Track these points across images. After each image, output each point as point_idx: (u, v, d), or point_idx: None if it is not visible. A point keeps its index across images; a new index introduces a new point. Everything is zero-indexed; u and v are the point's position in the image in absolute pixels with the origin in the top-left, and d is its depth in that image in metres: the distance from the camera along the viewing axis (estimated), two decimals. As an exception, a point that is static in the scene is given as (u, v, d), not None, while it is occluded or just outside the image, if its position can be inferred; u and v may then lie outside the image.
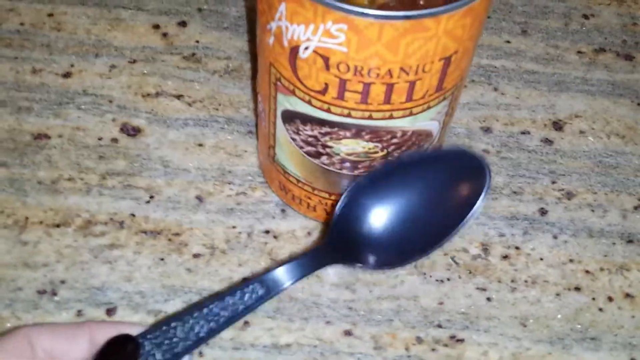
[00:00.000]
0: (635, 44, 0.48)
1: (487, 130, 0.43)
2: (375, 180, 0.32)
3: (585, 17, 0.49)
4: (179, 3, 0.47)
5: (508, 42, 0.47)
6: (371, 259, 0.31)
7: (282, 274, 0.30)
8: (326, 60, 0.28)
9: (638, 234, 0.39)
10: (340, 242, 0.31)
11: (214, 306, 0.29)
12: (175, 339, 0.28)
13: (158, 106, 0.42)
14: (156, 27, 0.46)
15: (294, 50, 0.29)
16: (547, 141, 0.42)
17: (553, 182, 0.41)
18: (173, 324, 0.28)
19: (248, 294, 0.29)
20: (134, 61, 0.44)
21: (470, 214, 0.31)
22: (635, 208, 0.40)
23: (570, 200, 0.40)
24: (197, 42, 0.45)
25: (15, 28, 0.45)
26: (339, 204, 0.32)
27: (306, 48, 0.28)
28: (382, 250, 0.32)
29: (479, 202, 0.31)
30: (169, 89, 0.43)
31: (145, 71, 0.43)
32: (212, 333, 0.28)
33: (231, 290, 0.29)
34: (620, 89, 0.45)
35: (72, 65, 0.43)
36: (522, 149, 0.42)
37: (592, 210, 0.40)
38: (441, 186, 0.32)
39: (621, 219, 0.40)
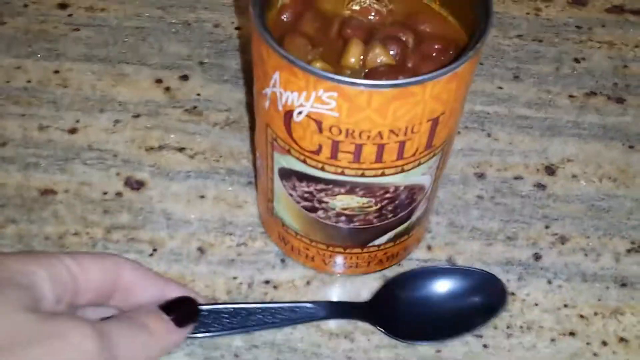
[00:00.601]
0: (626, 87, 0.49)
1: (480, 176, 0.44)
2: (417, 275, 0.38)
3: (577, 60, 0.50)
4: (181, 57, 0.49)
5: (500, 87, 0.48)
6: (398, 330, 0.37)
7: (328, 306, 0.37)
8: (319, 124, 0.30)
9: (631, 277, 0.40)
10: (378, 309, 0.37)
11: (264, 309, 0.36)
12: (223, 321, 0.35)
13: (161, 159, 0.43)
14: (159, 81, 0.47)
15: (289, 114, 0.30)
16: (540, 186, 0.43)
17: (547, 227, 0.42)
18: (228, 309, 0.35)
19: (295, 311, 0.36)
20: (138, 115, 0.45)
21: (484, 324, 0.37)
22: (628, 251, 0.41)
23: (564, 244, 0.41)
24: (199, 95, 0.47)
25: (23, 85, 0.46)
26: (387, 282, 0.38)
27: (300, 113, 0.30)
28: (409, 325, 0.37)
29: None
30: (172, 142, 0.44)
31: (149, 125, 0.45)
32: (252, 328, 0.35)
33: (282, 303, 0.36)
34: (612, 132, 0.46)
35: (77, 121, 0.45)
36: (516, 194, 0.43)
37: (586, 255, 0.41)
38: (464, 297, 0.38)
39: (614, 262, 0.40)
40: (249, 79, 0.48)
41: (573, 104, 0.48)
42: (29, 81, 0.47)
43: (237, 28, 0.51)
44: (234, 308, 0.36)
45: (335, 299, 0.39)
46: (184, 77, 0.48)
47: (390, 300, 0.37)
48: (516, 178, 0.44)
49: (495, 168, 0.44)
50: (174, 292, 0.34)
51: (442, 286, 0.37)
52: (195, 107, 0.46)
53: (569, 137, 0.46)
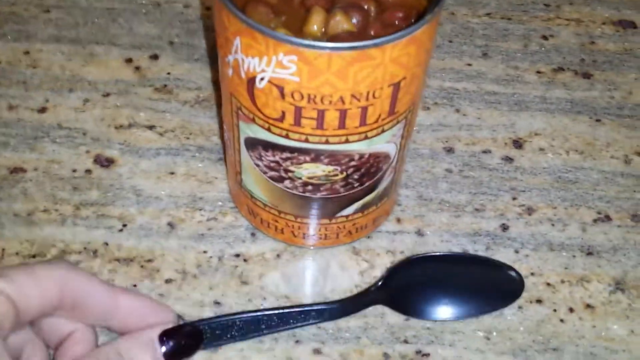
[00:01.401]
0: (593, 62, 0.49)
1: (449, 150, 0.44)
2: (429, 258, 0.39)
3: (544, 38, 0.51)
4: (151, 37, 0.49)
5: (469, 64, 0.49)
6: (412, 309, 0.37)
7: (338, 307, 0.36)
8: (281, 89, 0.30)
9: (597, 246, 0.40)
10: (390, 290, 0.38)
11: (273, 314, 0.36)
12: (232, 330, 0.35)
13: (131, 137, 0.43)
14: (129, 61, 0.47)
15: (251, 81, 0.30)
16: (508, 159, 0.44)
17: (514, 199, 0.42)
18: (240, 318, 0.35)
19: (304, 315, 0.36)
20: (108, 94, 0.45)
21: (499, 310, 0.38)
22: (594, 221, 0.41)
23: (531, 215, 0.41)
24: (169, 74, 0.47)
25: (-8, 66, 0.46)
26: (396, 264, 0.39)
27: (262, 79, 0.30)
28: (421, 306, 0.38)
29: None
30: (142, 120, 0.44)
31: (118, 104, 0.45)
32: (261, 333, 0.35)
33: (292, 307, 0.36)
34: (579, 106, 0.47)
35: (47, 101, 0.45)
36: (484, 168, 0.43)
37: (552, 225, 0.41)
38: (483, 282, 0.39)
39: (581, 232, 0.41)
40: (217, 49, 0.48)
41: (541, 80, 0.48)
42: (-2, 62, 0.47)
43: (207, 8, 0.51)
44: (245, 317, 0.35)
45: (307, 273, 0.39)
46: (154, 57, 0.48)
47: (402, 282, 0.38)
48: (484, 152, 0.44)
49: (464, 142, 0.45)
50: (127, 303, 0.31)
51: (459, 271, 0.39)
52: (165, 86, 0.46)
53: (536, 112, 0.46)
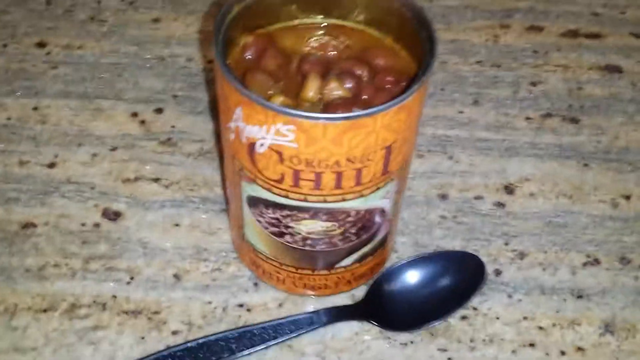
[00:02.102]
0: (580, 107, 0.51)
1: (443, 197, 0.46)
2: (401, 268, 0.41)
3: (533, 84, 0.53)
4: (156, 91, 0.51)
5: (461, 112, 0.51)
6: (393, 321, 0.40)
7: (323, 314, 0.39)
8: (280, 154, 0.32)
9: (587, 289, 0.42)
10: (372, 305, 0.40)
11: (267, 327, 0.38)
12: (231, 347, 0.37)
13: (137, 190, 0.45)
14: (134, 115, 0.49)
15: (252, 146, 0.32)
16: (500, 204, 0.46)
17: (506, 244, 0.44)
18: (233, 334, 0.38)
19: (296, 324, 0.39)
20: (115, 148, 0.47)
21: (468, 300, 0.41)
22: (584, 265, 0.43)
23: (523, 260, 0.43)
24: (173, 127, 0.49)
25: (3, 123, 0.48)
26: (375, 278, 0.41)
27: (262, 144, 0.32)
28: (402, 316, 0.40)
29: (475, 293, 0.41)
30: (147, 173, 0.46)
31: (125, 157, 0.47)
32: (258, 346, 0.38)
33: (282, 318, 0.39)
34: (567, 151, 0.49)
35: (56, 156, 0.47)
36: (477, 214, 0.45)
37: (544, 269, 0.43)
38: (450, 277, 0.41)
39: (571, 275, 0.42)
40: (216, 94, 0.50)
41: (530, 126, 0.50)
42: (9, 118, 0.49)
43: (209, 62, 0.53)
44: (239, 333, 0.38)
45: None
46: (159, 110, 0.50)
47: (382, 297, 0.40)
48: (477, 198, 0.46)
49: (457, 189, 0.46)
50: None
51: (428, 272, 0.41)
52: (169, 139, 0.48)
53: (526, 157, 0.48)
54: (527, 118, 0.50)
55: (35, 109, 0.49)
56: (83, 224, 0.43)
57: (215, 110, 0.50)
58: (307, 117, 0.29)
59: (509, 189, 0.46)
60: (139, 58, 0.53)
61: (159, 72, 0.52)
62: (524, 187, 0.47)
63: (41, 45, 0.54)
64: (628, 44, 0.56)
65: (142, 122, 0.49)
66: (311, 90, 0.33)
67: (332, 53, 0.36)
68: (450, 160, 0.48)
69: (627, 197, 0.46)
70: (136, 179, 0.46)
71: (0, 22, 0.55)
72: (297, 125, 0.30)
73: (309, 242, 0.36)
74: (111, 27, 0.55)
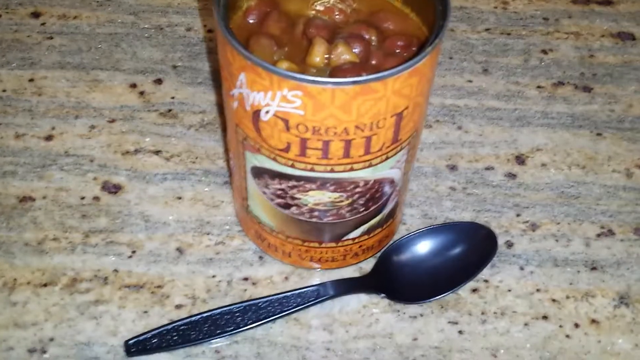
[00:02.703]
0: (593, 76, 0.50)
1: (452, 168, 0.45)
2: (411, 239, 0.40)
3: (544, 52, 0.51)
4: (155, 61, 0.49)
5: (470, 81, 0.49)
6: (402, 293, 0.39)
7: (330, 287, 0.38)
8: (286, 122, 0.30)
9: (601, 260, 0.41)
10: (381, 277, 0.39)
11: (273, 300, 0.37)
12: (237, 320, 0.37)
13: (137, 163, 0.44)
14: (133, 86, 0.48)
15: (256, 114, 0.31)
16: (511, 175, 0.44)
17: (517, 215, 0.43)
18: (239, 307, 0.37)
19: (302, 296, 0.38)
20: (113, 120, 0.46)
21: (479, 272, 0.40)
22: (598, 236, 0.42)
23: (535, 231, 0.42)
24: (173, 98, 0.47)
25: (-2, 95, 0.47)
26: (383, 250, 0.40)
27: (267, 112, 0.30)
28: (411, 288, 0.39)
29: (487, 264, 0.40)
30: (148, 145, 0.45)
31: (124, 129, 0.45)
32: (264, 320, 0.37)
33: (288, 291, 0.38)
34: (580, 120, 0.47)
35: (53, 128, 0.45)
36: (487, 185, 0.44)
37: (556, 240, 0.42)
38: (460, 249, 0.41)
39: (584, 247, 0.41)
40: (221, 80, 0.48)
41: (541, 95, 0.49)
42: (4, 90, 0.47)
43: (209, 31, 0.51)
44: (244, 306, 0.37)
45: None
46: (158, 81, 0.48)
47: (391, 268, 0.39)
48: (487, 169, 0.45)
49: (467, 160, 0.45)
50: None
51: (437, 243, 0.40)
52: (170, 110, 0.47)
53: (537, 127, 0.47)
54: (538, 87, 0.49)
55: (30, 80, 0.48)
56: (82, 198, 0.42)
57: (216, 81, 0.48)
58: (314, 82, 0.28)
59: (520, 160, 0.45)
60: (136, 27, 0.51)
61: (158, 41, 0.50)
62: (536, 158, 0.45)
63: (36, 15, 0.52)
64: (641, 10, 0.54)
65: (141, 93, 0.47)
66: (317, 56, 0.32)
67: (339, 17, 0.35)
68: (459, 130, 0.46)
69: (642, 167, 0.45)
70: (136, 151, 0.44)
71: (-6, -8, 0.53)
72: (303, 90, 0.28)
73: (315, 213, 0.35)
74: (108, -5, 0.53)
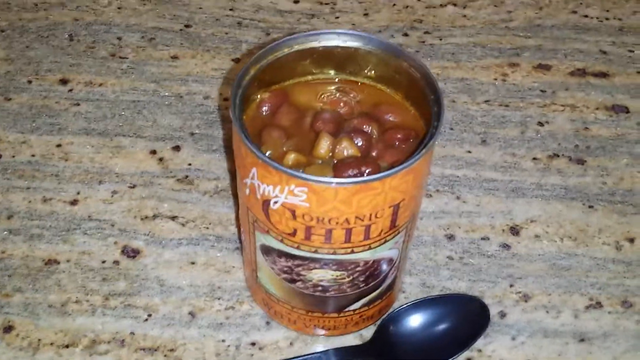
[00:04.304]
0: (587, 148, 0.53)
1: (450, 237, 0.47)
2: (408, 310, 0.43)
3: (540, 124, 0.54)
4: (174, 128, 0.52)
5: (469, 152, 0.52)
6: None
7: (332, 354, 0.41)
8: (293, 212, 0.33)
9: (589, 332, 0.43)
10: (380, 345, 0.42)
11: None
12: None
13: (155, 228, 0.47)
14: (153, 152, 0.51)
15: (266, 203, 0.34)
16: (505, 246, 0.47)
17: (511, 286, 0.45)
18: None
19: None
20: (134, 186, 0.49)
21: (473, 343, 0.42)
22: (587, 308, 0.44)
23: (527, 302, 0.44)
24: (190, 165, 0.50)
25: (27, 159, 0.50)
26: (382, 319, 0.43)
27: (275, 202, 0.33)
28: (409, 356, 0.41)
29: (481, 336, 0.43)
30: (165, 210, 0.48)
31: (144, 195, 0.49)
32: None
33: (292, 358, 0.40)
34: (572, 192, 0.50)
35: (78, 193, 0.49)
36: (483, 255, 0.46)
37: (547, 312, 0.44)
38: (454, 320, 0.43)
39: (573, 318, 0.44)
40: (232, 149, 0.51)
41: (537, 166, 0.51)
42: (33, 155, 0.51)
43: (224, 99, 0.55)
44: None
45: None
46: (176, 148, 0.51)
47: (390, 337, 0.42)
48: (483, 239, 0.47)
49: (464, 229, 0.48)
50: None
51: (433, 314, 0.42)
52: (186, 177, 0.50)
53: (532, 199, 0.49)
54: (534, 158, 0.52)
55: (58, 146, 0.51)
56: (103, 262, 0.45)
57: (230, 149, 0.51)
58: (319, 182, 0.31)
59: (514, 230, 0.48)
60: (157, 95, 0.55)
61: (177, 109, 0.54)
62: (530, 229, 0.48)
63: (64, 81, 0.55)
64: (635, 83, 0.57)
65: (161, 159, 0.51)
66: (322, 149, 0.35)
67: (344, 109, 0.38)
68: (457, 200, 0.49)
69: (631, 240, 0.47)
70: (154, 216, 0.48)
71: (25, 58, 0.57)
72: (309, 187, 0.31)
73: (319, 288, 0.38)
74: (131, 64, 0.57)
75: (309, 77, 0.39)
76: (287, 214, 0.33)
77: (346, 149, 0.35)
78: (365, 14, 0.62)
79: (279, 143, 0.36)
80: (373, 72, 0.38)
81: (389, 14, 0.62)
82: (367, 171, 0.34)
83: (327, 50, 0.37)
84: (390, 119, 0.37)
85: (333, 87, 0.39)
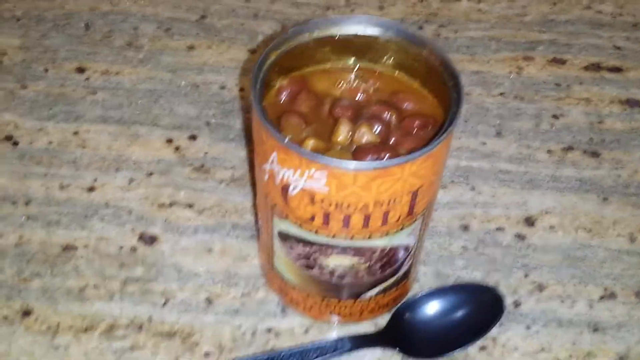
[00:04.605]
0: (601, 141, 0.53)
1: (465, 228, 0.47)
2: (423, 298, 0.43)
3: (555, 117, 0.54)
4: (190, 117, 0.53)
5: (484, 143, 0.52)
6: (414, 349, 0.42)
7: (347, 341, 0.41)
8: (312, 197, 0.33)
9: (603, 322, 0.43)
10: (394, 333, 0.42)
11: (294, 352, 0.40)
12: None
13: (172, 215, 0.47)
14: (169, 141, 0.51)
15: (285, 188, 0.34)
16: (520, 236, 0.47)
17: (526, 276, 0.45)
18: (263, 357, 0.40)
19: (321, 349, 0.41)
20: (151, 174, 0.49)
21: (487, 332, 0.42)
22: (601, 298, 0.44)
23: (542, 292, 0.45)
24: (206, 153, 0.51)
25: (45, 147, 0.51)
26: (397, 307, 0.43)
27: (295, 187, 0.34)
28: (423, 344, 0.42)
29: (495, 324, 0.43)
30: (181, 198, 0.48)
31: (160, 183, 0.49)
32: None
33: (308, 344, 0.41)
34: (587, 185, 0.50)
35: (95, 180, 0.49)
36: (497, 245, 0.47)
37: (562, 301, 0.44)
38: (469, 309, 0.43)
39: (588, 308, 0.44)
40: (251, 137, 0.52)
41: (551, 159, 0.51)
42: (50, 142, 0.51)
43: (241, 89, 0.55)
44: (267, 356, 0.40)
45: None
46: (193, 137, 0.52)
47: (404, 325, 0.42)
48: (498, 229, 0.47)
49: (479, 220, 0.48)
50: None
51: (447, 303, 0.42)
52: (202, 165, 0.50)
53: (547, 190, 0.50)
54: (549, 151, 0.52)
55: (75, 133, 0.52)
56: (121, 248, 0.46)
57: (246, 138, 0.52)
58: (338, 165, 0.31)
59: (529, 221, 0.48)
60: (174, 85, 0.55)
61: (194, 99, 0.54)
62: (544, 220, 0.48)
63: (80, 70, 0.56)
64: (650, 77, 0.57)
65: (177, 148, 0.51)
66: (342, 135, 0.35)
67: (362, 96, 0.38)
68: (472, 191, 0.49)
69: (645, 232, 0.48)
70: (171, 204, 0.48)
71: (42, 47, 0.58)
72: (329, 171, 0.32)
73: (335, 275, 0.38)
74: (147, 53, 0.57)
75: (328, 65, 0.39)
76: (305, 199, 0.34)
77: (365, 135, 0.35)
78: (381, 7, 0.62)
79: (298, 129, 0.36)
80: (391, 60, 0.38)
81: (403, 7, 0.62)
82: (386, 157, 0.34)
83: (346, 37, 0.38)
84: (409, 106, 0.37)
85: (352, 75, 0.39)
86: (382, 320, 0.43)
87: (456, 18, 0.62)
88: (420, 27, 0.60)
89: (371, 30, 0.37)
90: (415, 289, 0.44)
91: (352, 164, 0.31)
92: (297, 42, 0.37)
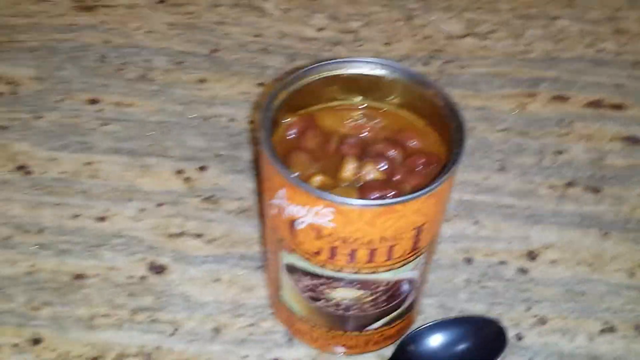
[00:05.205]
0: (602, 177, 0.54)
1: (468, 261, 0.48)
2: (427, 331, 0.44)
3: (558, 153, 0.55)
4: (200, 149, 0.54)
5: (487, 178, 0.53)
6: None
7: None
8: (318, 232, 0.35)
9: (602, 356, 0.44)
10: None
11: None
12: None
13: (181, 245, 0.48)
14: (180, 172, 0.53)
15: (292, 223, 0.35)
16: (522, 270, 0.48)
17: (528, 309, 0.46)
18: None
19: None
20: (161, 204, 0.51)
21: None
22: (601, 332, 0.45)
23: (543, 325, 0.45)
24: (215, 184, 0.52)
25: (57, 177, 0.52)
26: (401, 340, 0.43)
27: (302, 222, 0.35)
28: None
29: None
30: (191, 229, 0.49)
31: (170, 213, 0.50)
32: None
33: None
34: (588, 220, 0.51)
35: (106, 210, 0.50)
36: (500, 278, 0.47)
37: (563, 335, 0.45)
38: (472, 341, 0.44)
39: (588, 342, 0.45)
40: (259, 169, 0.53)
41: (553, 194, 0.52)
42: (62, 172, 0.52)
43: (250, 122, 0.56)
44: None
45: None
46: (202, 168, 0.53)
47: (408, 357, 0.42)
48: (501, 263, 0.48)
49: (482, 253, 0.49)
50: None
51: (451, 335, 0.43)
52: (211, 196, 0.51)
53: (549, 225, 0.51)
54: (551, 186, 0.53)
55: (87, 164, 0.53)
56: (130, 277, 0.47)
57: (254, 170, 0.53)
58: (344, 203, 0.32)
59: (531, 255, 0.49)
60: (184, 117, 0.56)
61: (204, 131, 0.55)
62: (546, 254, 0.49)
63: (94, 101, 0.57)
64: (650, 114, 0.58)
65: (187, 179, 0.52)
66: (348, 172, 0.36)
67: (368, 133, 0.39)
68: (475, 225, 0.50)
69: (645, 268, 0.48)
70: (180, 234, 0.49)
71: (56, 78, 0.59)
72: (335, 208, 0.33)
73: (341, 307, 0.39)
74: (159, 86, 0.59)
75: (335, 103, 0.40)
76: (312, 234, 0.35)
77: (371, 172, 0.36)
78: (387, 43, 0.64)
79: (306, 165, 0.37)
80: (397, 99, 0.40)
81: (409, 43, 0.64)
82: (390, 194, 0.35)
83: (353, 77, 0.39)
84: (413, 144, 0.39)
85: (358, 113, 0.40)
86: (387, 351, 0.43)
87: (461, 54, 0.63)
88: (426, 63, 0.62)
89: (377, 71, 0.39)
90: (420, 321, 0.45)
91: (358, 202, 0.32)
92: (305, 82, 0.38)
